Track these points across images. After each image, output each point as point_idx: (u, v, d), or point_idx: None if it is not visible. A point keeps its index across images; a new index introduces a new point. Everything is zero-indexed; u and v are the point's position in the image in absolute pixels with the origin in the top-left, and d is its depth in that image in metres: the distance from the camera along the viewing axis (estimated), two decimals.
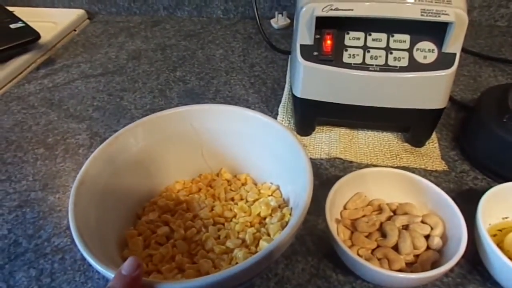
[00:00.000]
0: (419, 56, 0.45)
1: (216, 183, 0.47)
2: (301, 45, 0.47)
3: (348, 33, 0.46)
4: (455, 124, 0.57)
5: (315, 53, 0.47)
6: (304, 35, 0.47)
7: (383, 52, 0.46)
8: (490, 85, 0.62)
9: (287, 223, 0.38)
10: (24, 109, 0.65)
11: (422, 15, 0.42)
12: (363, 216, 0.42)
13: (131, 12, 0.93)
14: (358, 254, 0.38)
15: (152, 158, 0.44)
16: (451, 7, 0.42)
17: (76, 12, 0.90)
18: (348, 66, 0.46)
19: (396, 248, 0.39)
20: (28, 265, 0.42)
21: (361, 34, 0.46)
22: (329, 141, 0.55)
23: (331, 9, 0.43)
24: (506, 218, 0.42)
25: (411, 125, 0.52)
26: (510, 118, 0.45)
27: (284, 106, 0.61)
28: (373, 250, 0.39)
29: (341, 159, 0.52)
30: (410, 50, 0.45)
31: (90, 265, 0.31)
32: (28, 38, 0.74)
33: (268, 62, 0.73)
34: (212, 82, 0.69)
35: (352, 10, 0.43)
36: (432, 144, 0.54)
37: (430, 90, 0.46)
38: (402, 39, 0.46)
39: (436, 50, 0.45)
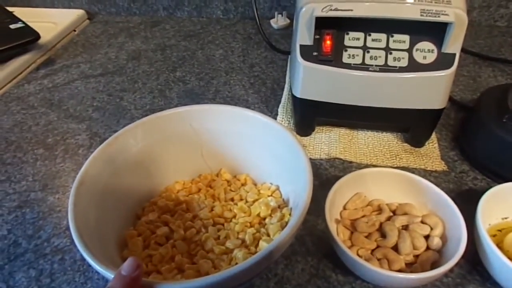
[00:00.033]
0: (418, 56, 0.45)
1: (215, 184, 0.47)
2: (301, 45, 0.47)
3: (347, 34, 0.46)
4: (454, 124, 0.57)
5: (315, 53, 0.47)
6: (303, 36, 0.47)
7: (382, 53, 0.46)
8: (490, 85, 0.62)
9: (286, 223, 0.38)
10: (23, 109, 0.65)
11: (421, 15, 0.42)
12: (363, 216, 0.42)
13: (131, 13, 0.93)
14: (358, 255, 0.38)
15: (151, 159, 0.44)
16: (450, 7, 0.42)
17: (76, 13, 0.90)
18: (348, 66, 0.46)
19: (395, 248, 0.39)
20: (27, 265, 0.42)
21: (360, 35, 0.46)
22: (329, 141, 0.55)
23: (331, 10, 0.43)
24: (506, 218, 0.42)
25: (411, 125, 0.52)
26: (510, 118, 0.45)
27: (284, 106, 0.61)
28: (372, 251, 0.39)
29: (340, 159, 0.52)
30: (409, 50, 0.45)
31: (89, 265, 0.31)
32: (28, 38, 0.74)
33: (267, 62, 0.73)
34: (212, 83, 0.69)
35: (351, 10, 0.43)
36: (432, 145, 0.54)
37: (430, 90, 0.46)
38: (401, 40, 0.46)
39: (435, 50, 0.45)
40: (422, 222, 0.40)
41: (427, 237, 0.39)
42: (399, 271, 0.37)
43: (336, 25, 0.46)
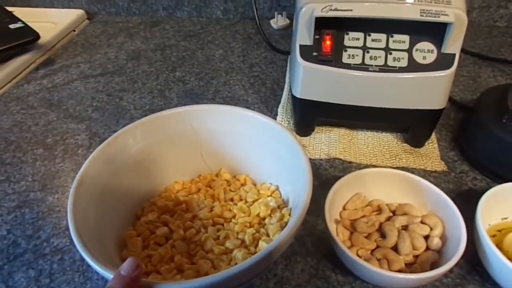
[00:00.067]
0: (418, 57, 0.45)
1: (215, 184, 0.46)
2: (301, 46, 0.47)
3: (347, 34, 0.46)
4: (454, 124, 0.57)
5: (315, 54, 0.47)
6: (303, 36, 0.47)
7: (382, 53, 0.46)
8: (490, 85, 0.62)
9: (286, 223, 0.38)
10: (23, 109, 0.65)
11: (421, 15, 0.42)
12: (363, 216, 0.42)
13: (131, 13, 0.93)
14: (358, 255, 0.38)
15: (151, 159, 0.44)
16: (450, 8, 0.42)
17: (76, 12, 0.90)
18: (348, 66, 0.46)
19: (395, 248, 0.39)
20: (27, 265, 0.42)
21: (360, 35, 0.46)
22: (329, 141, 0.54)
23: (331, 10, 0.43)
24: (506, 218, 0.42)
25: (411, 125, 0.52)
26: (510, 119, 0.45)
27: (284, 107, 0.61)
28: (372, 251, 0.39)
29: (340, 159, 0.52)
30: (409, 51, 0.45)
31: (89, 265, 0.31)
32: (27, 38, 0.74)
33: (267, 63, 0.73)
34: (212, 83, 0.69)
35: (351, 10, 0.43)
36: (432, 145, 0.54)
37: (430, 91, 0.46)
38: (401, 40, 0.46)
39: (435, 51, 0.45)
40: (421, 222, 0.40)
41: (426, 237, 0.39)
42: (399, 271, 0.37)
43: (336, 25, 0.46)
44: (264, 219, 0.41)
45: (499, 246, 0.37)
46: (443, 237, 0.39)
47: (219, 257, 0.38)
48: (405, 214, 0.41)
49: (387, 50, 0.46)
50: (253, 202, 0.43)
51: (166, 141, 0.45)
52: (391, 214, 0.42)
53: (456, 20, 0.42)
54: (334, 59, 0.46)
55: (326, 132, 0.56)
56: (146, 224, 0.42)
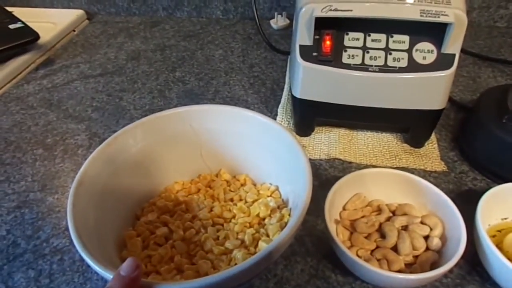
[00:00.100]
0: (418, 57, 0.45)
1: (215, 184, 0.46)
2: (301, 46, 0.47)
3: (347, 34, 0.46)
4: (454, 124, 0.57)
5: (315, 54, 0.47)
6: (303, 36, 0.47)
7: (382, 53, 0.46)
8: (490, 85, 0.62)
9: (286, 223, 0.38)
10: (23, 109, 0.65)
11: (421, 15, 0.42)
12: (363, 216, 0.42)
13: (131, 13, 0.93)
14: (357, 255, 0.38)
15: (151, 159, 0.44)
16: (450, 8, 0.42)
17: (75, 13, 0.90)
18: (348, 66, 0.46)
19: (395, 248, 0.39)
20: (26, 266, 0.42)
21: (360, 35, 0.46)
22: (329, 141, 0.54)
23: (331, 10, 0.43)
24: (505, 219, 0.42)
25: (411, 125, 0.52)
26: (509, 119, 0.45)
27: (284, 107, 0.61)
28: (372, 251, 0.39)
29: (340, 159, 0.52)
30: (409, 51, 0.45)
31: (88, 266, 0.31)
32: (27, 38, 0.74)
33: (267, 63, 0.73)
34: (212, 83, 0.69)
35: (351, 10, 0.43)
36: (432, 145, 0.54)
37: (429, 91, 0.46)
38: (401, 40, 0.46)
39: (435, 51, 0.45)
40: (421, 222, 0.40)
41: (426, 238, 0.39)
42: (399, 271, 0.37)
43: (335, 25, 0.46)
44: (264, 219, 0.41)
45: (499, 246, 0.37)
46: (443, 238, 0.39)
47: (219, 257, 0.38)
48: (405, 214, 0.41)
49: (387, 50, 0.46)
50: (253, 202, 0.43)
51: (166, 141, 0.45)
52: (391, 214, 0.42)
53: (456, 21, 0.42)
54: (334, 59, 0.46)
55: (326, 132, 0.56)
56: (146, 224, 0.42)
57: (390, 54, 0.45)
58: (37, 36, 0.75)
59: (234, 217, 0.42)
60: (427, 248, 0.39)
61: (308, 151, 0.53)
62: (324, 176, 0.50)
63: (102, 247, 0.35)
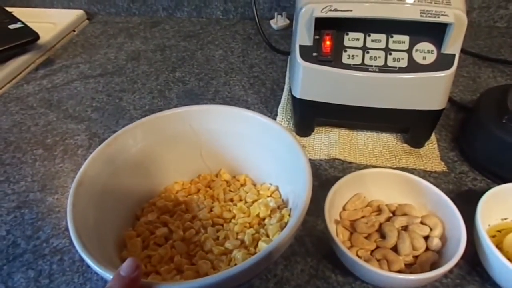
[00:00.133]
0: (418, 57, 0.45)
1: (215, 184, 0.46)
2: (301, 46, 0.47)
3: (347, 34, 0.46)
4: (454, 125, 0.57)
5: (315, 54, 0.47)
6: (303, 36, 0.47)
7: (382, 53, 0.46)
8: (489, 86, 0.62)
9: (286, 224, 0.38)
10: (23, 109, 0.65)
11: (421, 16, 0.42)
12: (362, 217, 0.42)
13: (131, 13, 0.93)
14: (357, 255, 0.38)
15: (151, 159, 0.44)
16: (450, 8, 0.42)
17: (75, 13, 0.90)
18: (348, 67, 0.46)
19: (395, 249, 0.39)
20: (26, 266, 0.42)
21: (360, 35, 0.46)
22: (329, 142, 0.54)
23: (330, 10, 0.43)
24: (505, 219, 0.42)
25: (411, 126, 0.52)
26: (509, 119, 0.45)
27: (284, 107, 0.61)
28: (372, 251, 0.39)
29: (340, 160, 0.52)
30: (409, 51, 0.45)
31: (88, 266, 0.31)
32: (27, 38, 0.74)
33: (267, 63, 0.73)
34: (212, 83, 0.69)
35: (351, 11, 0.43)
36: (431, 145, 0.54)
37: (429, 91, 0.46)
38: (401, 40, 0.46)
39: (435, 51, 0.45)
40: (421, 222, 0.40)
41: (426, 238, 0.39)
42: (399, 271, 0.37)
43: (335, 25, 0.46)
44: (263, 219, 0.41)
45: (499, 246, 0.37)
46: (443, 238, 0.39)
47: (218, 257, 0.38)
48: (405, 214, 0.41)
49: (387, 50, 0.46)
50: (253, 202, 0.43)
51: (165, 141, 0.45)
52: (391, 215, 0.42)
53: (456, 21, 0.42)
54: (334, 60, 0.46)
55: (326, 133, 0.56)
56: (145, 224, 0.42)
57: (390, 54, 0.45)
58: (37, 36, 0.75)
59: (234, 217, 0.42)
60: (427, 248, 0.39)
61: (308, 151, 0.53)
62: (324, 176, 0.50)
63: (102, 247, 0.35)
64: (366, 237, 0.40)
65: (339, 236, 0.40)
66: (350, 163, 0.52)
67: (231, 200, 0.45)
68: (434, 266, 0.37)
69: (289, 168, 0.40)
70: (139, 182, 0.44)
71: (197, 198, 0.44)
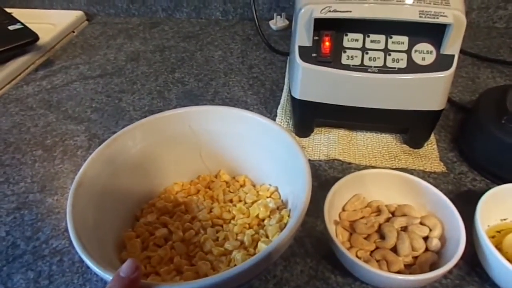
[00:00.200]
0: (417, 58, 0.45)
1: (214, 185, 0.46)
2: (300, 47, 0.47)
3: (346, 35, 0.47)
4: (453, 125, 0.57)
5: (314, 55, 0.47)
6: (302, 37, 0.47)
7: (381, 54, 0.46)
8: (489, 86, 0.62)
9: (285, 224, 0.38)
10: (22, 110, 0.65)
11: (420, 16, 0.42)
12: (362, 217, 0.42)
13: (130, 14, 0.93)
14: (357, 256, 0.38)
15: (150, 160, 0.44)
16: (449, 9, 0.42)
17: (75, 14, 0.90)
18: (347, 67, 0.46)
19: (394, 249, 0.39)
20: (26, 267, 0.42)
21: (359, 36, 0.46)
22: (328, 142, 0.55)
23: (330, 11, 0.44)
24: (505, 219, 0.42)
25: (410, 126, 0.52)
26: (509, 120, 0.45)
27: (283, 108, 0.61)
28: (371, 252, 0.39)
29: (339, 160, 0.52)
30: (408, 52, 0.45)
31: (88, 267, 0.31)
32: (26, 39, 0.74)
33: (266, 64, 0.73)
34: (211, 84, 0.69)
35: (350, 11, 0.43)
36: (431, 146, 0.54)
37: (429, 92, 0.46)
38: (400, 41, 0.46)
39: (434, 52, 0.45)
40: (421, 223, 0.40)
41: (426, 239, 0.39)
42: (398, 272, 0.37)
43: (335, 26, 0.46)
44: (263, 220, 0.41)
45: (499, 247, 0.37)
46: (442, 238, 0.39)
47: (218, 258, 0.38)
48: (404, 215, 0.41)
49: (386, 51, 0.46)
50: (252, 203, 0.43)
51: (165, 142, 0.45)
52: (390, 215, 0.42)
53: (455, 21, 0.42)
54: (333, 60, 0.46)
55: (325, 133, 0.56)
56: (145, 225, 0.42)
57: (389, 55, 0.46)
58: (36, 37, 0.75)
59: (233, 218, 0.42)
60: (427, 249, 0.39)
61: (307, 152, 0.53)
62: (324, 177, 0.50)
63: (102, 248, 0.35)
64: (365, 238, 0.40)
65: (339, 236, 0.40)
66: (349, 163, 0.52)
67: (231, 201, 0.45)
68: (433, 266, 0.37)
69: (289, 169, 0.40)
70: (139, 183, 0.44)
71: (197, 199, 0.44)
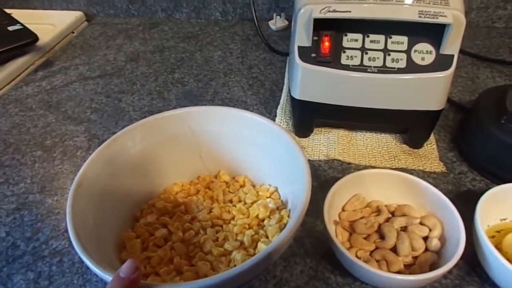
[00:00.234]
0: (417, 58, 0.45)
1: (214, 185, 0.46)
2: (299, 47, 0.47)
3: (346, 35, 0.47)
4: (453, 125, 0.57)
5: (313, 55, 0.47)
6: (302, 37, 0.47)
7: (381, 54, 0.46)
8: (488, 86, 0.62)
9: (285, 225, 0.38)
10: (22, 111, 0.65)
11: (420, 17, 0.42)
12: (362, 217, 0.42)
13: (129, 14, 0.93)
14: (357, 256, 0.38)
15: (150, 160, 0.44)
16: (448, 9, 0.42)
17: (74, 14, 0.90)
18: (346, 67, 0.46)
19: (394, 249, 0.39)
20: (26, 268, 0.42)
21: (359, 36, 0.46)
22: (328, 142, 0.55)
23: (329, 11, 0.44)
24: (505, 219, 0.42)
25: (409, 126, 0.52)
26: (508, 120, 0.45)
27: (283, 108, 0.61)
28: (371, 252, 0.39)
29: (339, 160, 0.52)
30: (408, 52, 0.45)
31: (88, 267, 0.31)
32: (26, 40, 0.74)
33: (266, 64, 0.73)
34: (211, 84, 0.69)
35: (350, 11, 0.43)
36: (430, 146, 0.54)
37: (428, 92, 0.46)
38: (400, 41, 0.46)
39: (434, 52, 0.45)
40: (420, 223, 0.40)
41: (425, 239, 0.39)
42: (398, 272, 0.37)
43: (334, 26, 0.46)
44: (263, 220, 0.41)
45: (498, 247, 0.37)
46: (442, 238, 0.39)
47: (218, 258, 0.38)
48: (404, 215, 0.41)
49: (386, 51, 0.46)
50: (252, 203, 0.43)
51: (165, 142, 0.45)
52: (390, 215, 0.42)
53: (454, 21, 0.42)
54: (332, 60, 0.46)
55: (325, 133, 0.56)
56: (145, 225, 0.42)
57: (389, 55, 0.46)
58: (36, 38, 0.75)
59: (233, 218, 0.42)
60: (426, 249, 0.39)
61: (307, 152, 0.53)
62: (323, 177, 0.50)
63: (102, 248, 0.35)
64: (365, 238, 0.40)
65: (338, 237, 0.40)
66: (349, 163, 0.52)
67: (231, 201, 0.45)
68: (433, 266, 0.37)
69: (288, 169, 0.40)
70: (139, 183, 0.44)
71: (197, 199, 0.45)
